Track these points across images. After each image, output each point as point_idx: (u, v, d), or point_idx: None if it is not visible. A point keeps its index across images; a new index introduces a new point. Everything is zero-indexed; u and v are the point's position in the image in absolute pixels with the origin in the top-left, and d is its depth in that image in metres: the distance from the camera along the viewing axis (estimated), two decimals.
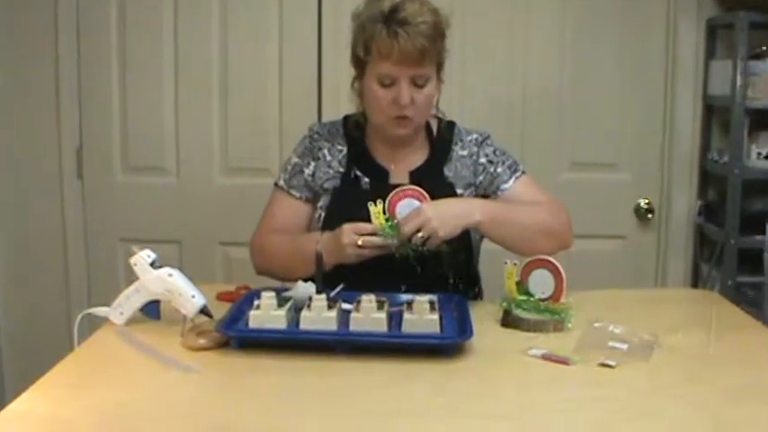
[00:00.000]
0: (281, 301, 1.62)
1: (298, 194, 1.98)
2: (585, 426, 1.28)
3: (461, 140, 1.99)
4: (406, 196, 1.80)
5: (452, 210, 1.78)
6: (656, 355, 1.56)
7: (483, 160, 1.98)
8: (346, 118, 2.02)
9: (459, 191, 1.95)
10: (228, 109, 2.81)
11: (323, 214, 1.95)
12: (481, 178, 1.97)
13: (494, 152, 1.99)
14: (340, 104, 2.48)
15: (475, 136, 2.00)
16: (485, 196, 1.96)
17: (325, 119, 2.57)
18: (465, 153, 1.98)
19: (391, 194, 1.80)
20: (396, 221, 1.76)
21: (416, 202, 1.79)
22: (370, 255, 1.75)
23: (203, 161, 2.84)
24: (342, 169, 1.96)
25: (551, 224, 1.89)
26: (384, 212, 1.79)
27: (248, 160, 2.82)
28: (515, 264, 1.74)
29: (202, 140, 2.83)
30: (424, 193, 1.80)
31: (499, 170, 1.97)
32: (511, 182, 1.97)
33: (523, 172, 2.00)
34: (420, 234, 1.73)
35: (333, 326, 1.57)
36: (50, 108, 2.80)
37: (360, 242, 1.74)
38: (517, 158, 2.03)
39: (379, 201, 1.78)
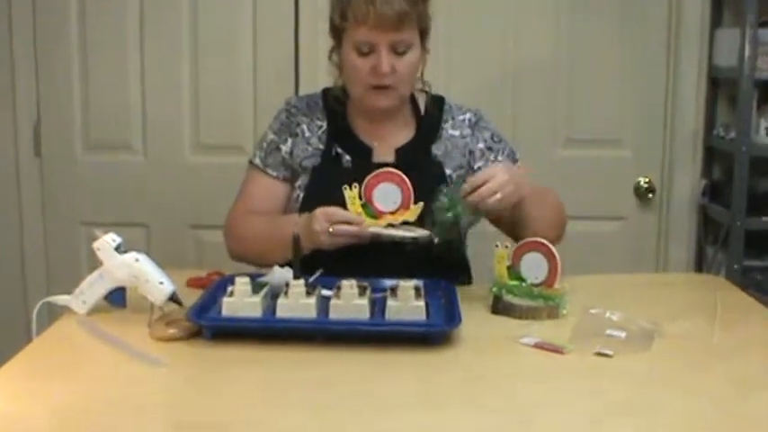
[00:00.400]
0: (257, 288, 1.62)
1: (274, 173, 1.98)
2: (581, 419, 1.29)
3: (452, 118, 2.00)
4: (384, 180, 1.81)
5: (519, 173, 1.78)
6: (657, 344, 1.57)
7: (480, 146, 1.99)
8: (326, 91, 2.01)
9: (447, 171, 1.96)
10: (199, 82, 2.80)
11: (301, 194, 1.95)
12: (480, 164, 1.98)
13: (491, 137, 2.00)
14: (318, 77, 2.49)
15: (468, 116, 2.01)
16: None
17: (302, 92, 2.56)
18: (456, 134, 1.99)
19: (368, 178, 1.80)
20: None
21: (395, 188, 1.79)
22: (344, 243, 1.76)
23: (172, 138, 2.83)
24: (321, 146, 1.96)
25: (563, 214, 1.95)
26: (360, 198, 1.79)
27: (221, 137, 2.81)
28: (506, 247, 1.75)
29: (171, 115, 2.82)
30: (404, 177, 1.80)
31: (501, 159, 1.99)
32: None
33: (518, 158, 2.02)
34: (495, 197, 1.70)
35: (311, 313, 1.57)
36: (5, 80, 2.77)
37: (331, 230, 1.74)
38: (508, 138, 2.04)
39: (354, 185, 1.78)
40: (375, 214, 1.80)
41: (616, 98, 2.82)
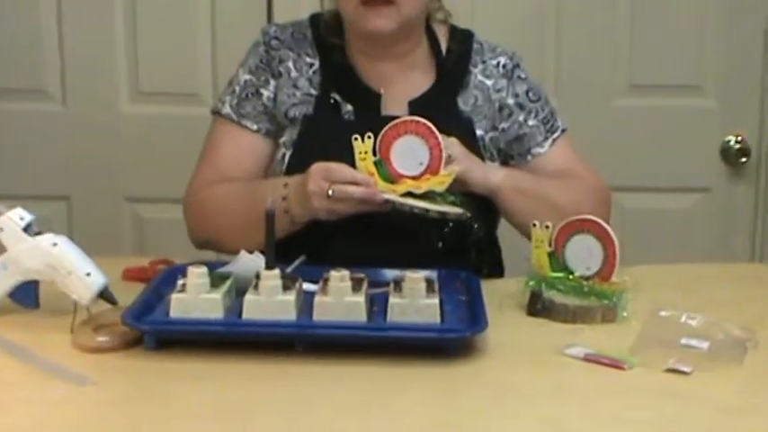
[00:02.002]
0: (217, 280, 1.63)
1: (253, 126, 1.99)
2: None
3: (483, 62, 2.02)
4: (407, 132, 1.80)
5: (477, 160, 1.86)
6: (751, 357, 1.58)
7: (510, 101, 2.01)
8: (315, 19, 2.02)
9: (478, 131, 1.97)
10: (137, 7, 2.80)
11: (288, 153, 1.96)
12: (505, 126, 1.99)
13: (527, 93, 2.02)
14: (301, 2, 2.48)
15: (503, 60, 2.03)
16: (506, 158, 2.01)
17: (278, 19, 2.56)
18: (489, 83, 2.01)
19: (386, 127, 1.80)
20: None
21: (422, 144, 1.79)
22: (346, 212, 1.76)
23: (102, 82, 2.84)
24: (314, 91, 1.97)
25: (588, 211, 1.93)
26: (374, 153, 1.79)
27: (168, 81, 2.82)
28: (547, 227, 1.76)
29: (99, 52, 2.82)
30: (435, 130, 1.80)
31: (532, 123, 2.00)
32: (546, 145, 2.02)
33: (563, 130, 2.04)
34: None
35: (289, 314, 1.58)
36: None
37: (330, 192, 1.74)
38: (551, 98, 2.06)
39: (368, 135, 1.79)
40: (392, 177, 1.80)
41: (695, 30, 2.83)
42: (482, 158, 1.95)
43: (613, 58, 2.83)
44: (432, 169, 1.80)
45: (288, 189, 1.80)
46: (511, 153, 2.03)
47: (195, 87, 2.78)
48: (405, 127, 1.80)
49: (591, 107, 2.78)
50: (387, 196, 1.76)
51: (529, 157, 2.02)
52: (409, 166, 1.81)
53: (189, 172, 2.01)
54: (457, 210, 1.78)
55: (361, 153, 1.79)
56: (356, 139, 1.78)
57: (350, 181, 1.75)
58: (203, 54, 2.80)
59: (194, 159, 2.02)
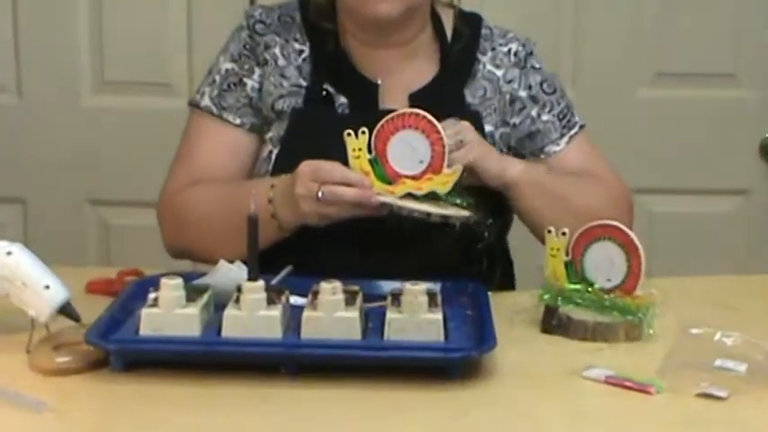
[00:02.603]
0: (193, 294, 1.63)
1: (236, 120, 2.00)
2: None
3: (493, 49, 2.03)
4: (405, 126, 1.80)
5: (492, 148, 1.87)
6: None
7: (523, 94, 2.03)
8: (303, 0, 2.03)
9: (487, 127, 1.98)
10: None
11: (274, 151, 1.97)
12: (516, 120, 2.00)
13: (541, 84, 2.04)
14: None
15: (514, 47, 2.04)
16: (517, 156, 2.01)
17: (262, 0, 2.56)
18: (499, 73, 2.02)
19: (383, 121, 1.80)
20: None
21: (422, 140, 1.79)
22: (339, 216, 1.76)
23: (62, 71, 2.85)
24: (303, 81, 1.98)
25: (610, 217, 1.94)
26: (369, 150, 1.79)
27: (137, 69, 2.83)
28: (564, 234, 1.76)
29: (59, 36, 2.84)
30: (437, 124, 1.79)
31: (546, 119, 2.02)
32: (562, 142, 2.03)
33: (581, 126, 2.05)
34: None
35: (275, 332, 1.58)
36: None
37: (320, 194, 1.75)
38: (567, 90, 2.07)
39: (362, 130, 1.79)
40: (389, 177, 1.80)
41: (728, 11, 2.84)
42: None
43: (637, 42, 2.84)
44: (434, 168, 1.79)
45: (274, 191, 1.80)
46: (523, 151, 2.04)
47: (168, 76, 2.79)
48: (403, 121, 1.80)
49: (612, 99, 2.79)
50: (383, 199, 1.76)
51: (542, 156, 2.03)
52: (408, 164, 1.80)
53: (162, 172, 2.02)
54: (462, 213, 1.78)
55: (354, 150, 1.78)
56: (349, 134, 1.78)
57: (342, 182, 1.75)
58: (177, 38, 2.81)
59: (168, 158, 2.02)
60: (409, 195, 1.79)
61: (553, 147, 2.03)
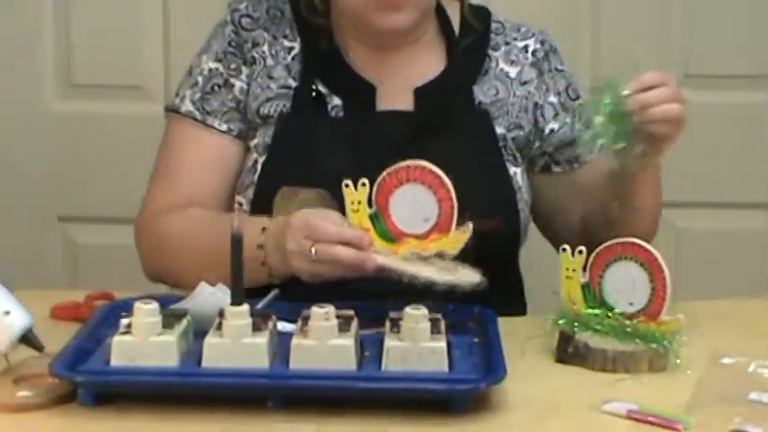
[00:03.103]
0: (170, 319, 1.63)
1: (222, 125, 2.00)
2: None
3: (507, 43, 2.05)
4: (410, 179, 1.79)
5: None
6: None
7: (553, 99, 2.06)
8: None
9: (499, 129, 2.00)
10: None
11: (260, 160, 1.97)
12: (553, 127, 2.04)
13: (567, 89, 2.07)
14: None
15: (531, 44, 2.06)
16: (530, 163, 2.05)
17: None
18: (513, 72, 2.04)
19: (385, 173, 1.78)
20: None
21: (428, 195, 1.78)
22: (331, 275, 1.75)
23: (23, 72, 2.86)
24: (293, 81, 1.99)
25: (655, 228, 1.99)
26: (369, 204, 1.79)
27: (107, 71, 2.84)
28: (580, 252, 1.77)
29: (21, 34, 2.85)
30: (446, 179, 1.77)
31: (578, 127, 2.01)
32: (594, 150, 2.04)
33: None
34: (667, 108, 1.77)
35: (261, 362, 1.58)
36: None
37: (314, 251, 1.74)
38: (584, 93, 2.09)
39: (362, 182, 1.78)
40: (391, 235, 1.80)
41: (761, 8, 2.85)
42: (501, 160, 1.98)
43: (663, 41, 2.85)
44: (441, 227, 1.78)
45: (265, 237, 1.79)
46: (559, 158, 2.07)
47: (142, 78, 2.79)
48: (407, 174, 1.78)
49: None
50: (381, 261, 1.74)
51: (576, 165, 2.07)
52: (413, 222, 1.79)
53: (135, 185, 2.02)
54: (471, 278, 1.76)
55: (353, 203, 1.77)
56: (347, 185, 1.76)
57: (338, 240, 1.73)
58: (152, 36, 2.82)
59: (142, 168, 2.02)
60: (414, 254, 1.78)
61: (587, 156, 2.07)
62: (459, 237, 1.78)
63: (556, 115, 2.06)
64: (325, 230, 1.73)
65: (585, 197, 2.03)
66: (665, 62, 2.85)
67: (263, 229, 1.80)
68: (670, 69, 2.83)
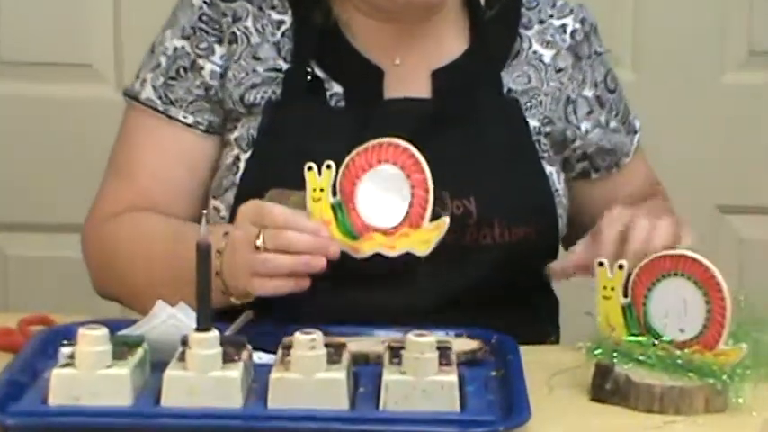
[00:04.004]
0: (122, 348, 1.63)
1: (189, 118, 2.01)
2: None
3: (541, 21, 2.07)
4: (380, 161, 1.79)
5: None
6: None
7: (588, 93, 2.07)
8: None
9: (533, 122, 2.01)
10: None
11: (244, 157, 1.98)
12: (586, 126, 2.06)
13: (606, 80, 2.09)
14: None
15: (571, 23, 2.08)
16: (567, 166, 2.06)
17: None
18: (548, 56, 2.05)
19: (353, 153, 1.79)
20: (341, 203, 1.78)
21: (401, 177, 1.78)
22: (276, 287, 1.72)
23: None
24: (283, 63, 2.00)
25: None
26: (334, 191, 1.78)
27: (45, 47, 2.85)
28: (620, 267, 1.77)
29: None
30: (420, 159, 1.77)
31: (614, 125, 2.09)
32: (631, 153, 2.11)
33: (639, 127, 2.14)
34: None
35: (233, 399, 1.58)
36: None
37: (257, 241, 1.72)
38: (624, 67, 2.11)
39: (328, 164, 1.79)
40: (354, 229, 1.79)
41: None
42: (535, 156, 2.00)
43: (722, 13, 2.85)
44: (411, 220, 1.77)
45: (227, 241, 1.77)
46: (600, 164, 2.09)
47: (88, 55, 2.80)
48: (379, 153, 1.78)
49: (687, 87, 2.80)
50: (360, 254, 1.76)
51: (614, 170, 2.10)
52: (380, 212, 1.79)
53: (82, 184, 2.02)
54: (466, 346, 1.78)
55: (315, 191, 1.77)
56: (310, 168, 1.76)
57: (291, 227, 1.72)
58: (100, 3, 2.82)
59: (90, 163, 2.02)
60: (378, 255, 1.79)
61: (625, 159, 2.11)
62: (431, 233, 1.77)
63: (590, 113, 2.07)
64: (274, 216, 1.72)
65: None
66: (724, 37, 2.86)
67: (226, 233, 1.78)
68: (731, 46, 2.85)
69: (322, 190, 1.77)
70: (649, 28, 2.83)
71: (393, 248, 1.77)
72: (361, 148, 1.78)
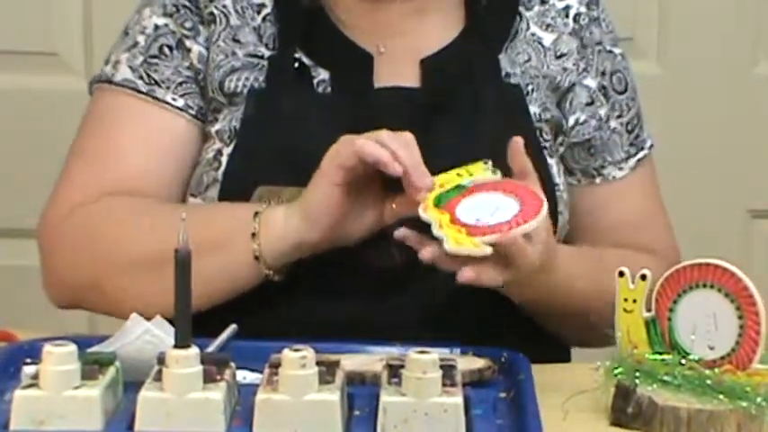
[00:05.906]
0: (92, 367, 1.62)
1: (179, 101, 2.01)
2: None
3: (542, 1, 2.08)
4: (491, 190, 1.80)
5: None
6: None
7: (591, 83, 2.07)
8: None
9: (533, 108, 2.02)
10: None
11: (226, 151, 1.98)
12: (581, 117, 2.07)
13: (612, 75, 2.09)
14: None
15: (575, 4, 2.08)
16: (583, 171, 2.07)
17: None
18: (549, 40, 2.06)
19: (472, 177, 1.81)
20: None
21: (512, 202, 1.78)
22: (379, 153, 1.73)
23: None
24: (265, 49, 2.01)
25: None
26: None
27: (8, 35, 2.85)
28: (643, 277, 1.76)
29: None
30: (541, 195, 1.79)
31: (614, 126, 2.09)
32: (627, 167, 2.10)
33: (650, 147, 2.12)
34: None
35: (215, 424, 1.57)
36: None
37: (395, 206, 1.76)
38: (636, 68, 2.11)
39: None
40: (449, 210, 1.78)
41: None
42: (537, 146, 1.99)
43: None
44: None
45: (259, 222, 1.79)
46: (574, 166, 2.09)
47: (55, 43, 2.80)
48: (487, 186, 1.81)
49: (718, 80, 2.80)
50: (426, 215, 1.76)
51: (597, 180, 2.08)
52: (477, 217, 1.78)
53: (46, 184, 2.01)
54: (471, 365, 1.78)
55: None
56: (437, 178, 1.78)
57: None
58: None
59: (55, 159, 2.02)
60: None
61: (614, 170, 2.09)
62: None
63: (589, 104, 2.06)
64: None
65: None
66: (754, 27, 2.86)
67: (256, 213, 1.80)
68: (765, 35, 2.85)
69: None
70: (675, 15, 2.83)
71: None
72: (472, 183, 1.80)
